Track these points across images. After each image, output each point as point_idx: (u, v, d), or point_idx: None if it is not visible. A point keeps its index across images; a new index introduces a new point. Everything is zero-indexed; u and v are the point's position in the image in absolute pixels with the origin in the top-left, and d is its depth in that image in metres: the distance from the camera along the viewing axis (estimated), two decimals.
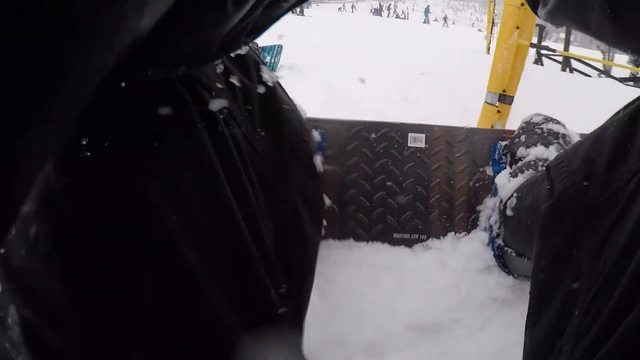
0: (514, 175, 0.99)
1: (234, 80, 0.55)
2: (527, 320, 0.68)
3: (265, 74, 0.63)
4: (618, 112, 0.64)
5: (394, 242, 1.10)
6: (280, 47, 4.23)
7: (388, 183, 1.11)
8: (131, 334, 0.39)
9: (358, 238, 1.10)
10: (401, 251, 1.08)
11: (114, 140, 0.41)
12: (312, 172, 0.72)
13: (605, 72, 5.83)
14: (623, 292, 0.47)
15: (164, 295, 0.40)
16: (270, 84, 0.63)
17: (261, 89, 0.60)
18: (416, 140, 1.12)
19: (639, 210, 0.51)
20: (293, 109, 0.70)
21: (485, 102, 1.68)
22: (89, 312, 0.37)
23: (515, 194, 0.93)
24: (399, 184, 1.11)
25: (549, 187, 0.69)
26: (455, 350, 0.90)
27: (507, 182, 0.98)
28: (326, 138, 1.12)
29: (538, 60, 6.23)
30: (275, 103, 0.65)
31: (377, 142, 1.12)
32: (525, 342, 0.68)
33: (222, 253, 0.45)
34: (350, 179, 1.11)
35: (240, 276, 0.46)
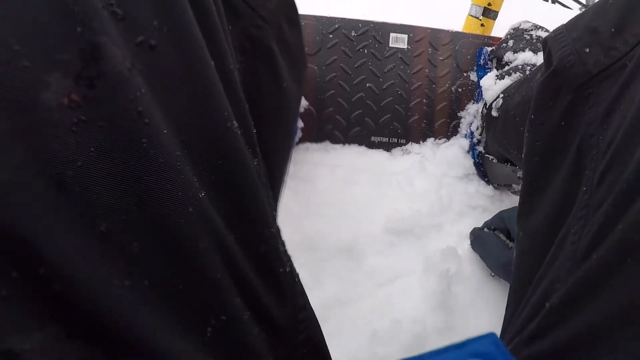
0: (500, 77, 0.94)
1: None
2: (519, 210, 0.64)
3: None
4: None
5: (371, 145, 1.06)
6: None
7: (367, 84, 1.05)
8: None
9: (335, 140, 1.05)
10: (380, 154, 1.04)
11: None
12: (291, 17, 0.61)
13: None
14: None
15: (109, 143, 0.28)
16: None
17: None
18: (398, 41, 1.06)
19: None
20: None
21: (468, 14, 1.61)
22: None
23: (501, 95, 0.89)
24: (379, 85, 1.05)
25: (546, 58, 0.64)
26: (434, 255, 0.87)
27: (493, 84, 0.94)
28: (303, 35, 1.05)
29: None
30: None
31: (358, 41, 1.06)
32: (518, 235, 0.64)
33: (176, 74, 0.33)
34: (328, 79, 1.05)
35: (201, 104, 0.34)
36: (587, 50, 0.57)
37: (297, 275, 0.45)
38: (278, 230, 0.43)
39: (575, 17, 0.63)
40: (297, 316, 0.44)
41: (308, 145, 1.04)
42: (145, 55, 0.31)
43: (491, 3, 1.58)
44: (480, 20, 1.58)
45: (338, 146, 1.05)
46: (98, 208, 0.27)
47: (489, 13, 1.59)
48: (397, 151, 1.05)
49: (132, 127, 0.28)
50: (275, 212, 0.50)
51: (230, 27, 0.45)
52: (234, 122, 0.37)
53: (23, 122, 0.24)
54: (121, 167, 0.28)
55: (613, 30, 0.55)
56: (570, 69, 0.58)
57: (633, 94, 0.49)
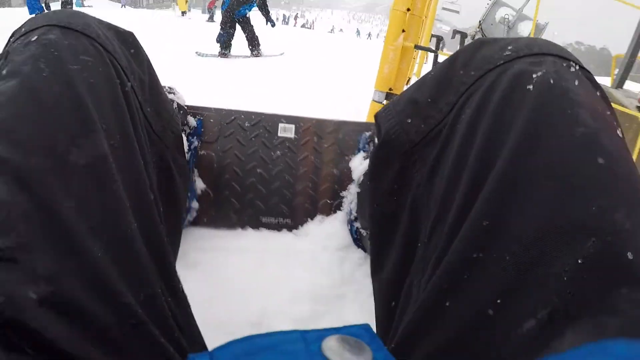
0: (365, 158, 1.07)
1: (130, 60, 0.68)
2: (372, 267, 0.72)
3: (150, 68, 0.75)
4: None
5: (261, 226, 1.18)
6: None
7: (258, 170, 1.18)
8: None
9: (230, 221, 1.17)
10: (285, 236, 1.17)
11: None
12: (180, 148, 0.82)
13: None
14: (456, 214, 0.50)
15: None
16: (153, 74, 0.76)
17: (147, 78, 0.72)
18: (286, 131, 1.20)
19: (459, 137, 0.55)
20: (168, 98, 0.82)
21: (373, 100, 1.76)
22: None
23: (364, 173, 1.01)
24: (268, 171, 1.18)
25: (377, 131, 0.71)
26: (343, 319, 0.94)
27: (359, 165, 1.07)
28: (204, 125, 1.19)
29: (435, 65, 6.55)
30: (157, 87, 0.76)
31: (250, 131, 1.19)
32: (374, 287, 0.72)
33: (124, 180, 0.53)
34: (224, 165, 1.18)
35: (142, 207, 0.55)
36: (409, 120, 0.65)
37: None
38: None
39: (401, 93, 0.73)
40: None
41: (219, 232, 1.17)
42: None
43: (392, 88, 1.75)
44: (383, 104, 1.74)
45: (250, 230, 1.18)
46: None
47: (392, 97, 1.75)
48: (300, 232, 1.18)
49: None
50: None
51: (149, 150, 0.67)
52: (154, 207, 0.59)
53: None
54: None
55: (429, 100, 0.63)
56: (395, 139, 0.65)
57: (449, 155, 0.56)
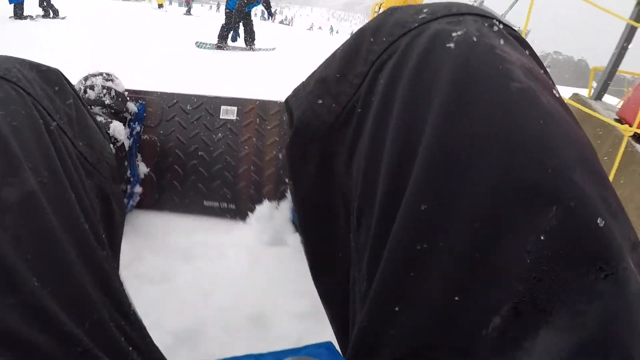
0: None
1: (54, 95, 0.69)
2: (313, 274, 0.64)
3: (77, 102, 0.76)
4: None
5: (204, 210, 1.17)
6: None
7: (200, 152, 1.17)
8: None
9: (174, 204, 1.17)
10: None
11: None
12: (115, 178, 0.83)
13: None
14: (383, 199, 0.43)
15: None
16: (80, 108, 0.76)
17: (74, 113, 0.73)
18: (228, 113, 1.19)
19: (374, 111, 0.48)
20: (97, 128, 0.82)
21: None
22: None
23: None
24: (210, 153, 1.17)
25: (289, 119, 0.62)
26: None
27: None
28: (146, 109, 1.18)
29: None
30: (86, 121, 0.77)
31: (192, 114, 1.19)
32: (319, 293, 0.64)
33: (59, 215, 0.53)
34: (167, 148, 1.17)
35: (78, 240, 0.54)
36: (320, 101, 0.56)
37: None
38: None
39: (311, 73, 0.63)
40: None
41: (212, 226, 1.16)
42: None
43: None
44: None
45: (242, 224, 1.16)
46: None
47: None
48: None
49: None
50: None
51: (88, 181, 0.68)
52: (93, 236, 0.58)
53: None
54: None
55: (338, 75, 0.54)
56: (309, 124, 0.57)
57: (365, 133, 0.49)
